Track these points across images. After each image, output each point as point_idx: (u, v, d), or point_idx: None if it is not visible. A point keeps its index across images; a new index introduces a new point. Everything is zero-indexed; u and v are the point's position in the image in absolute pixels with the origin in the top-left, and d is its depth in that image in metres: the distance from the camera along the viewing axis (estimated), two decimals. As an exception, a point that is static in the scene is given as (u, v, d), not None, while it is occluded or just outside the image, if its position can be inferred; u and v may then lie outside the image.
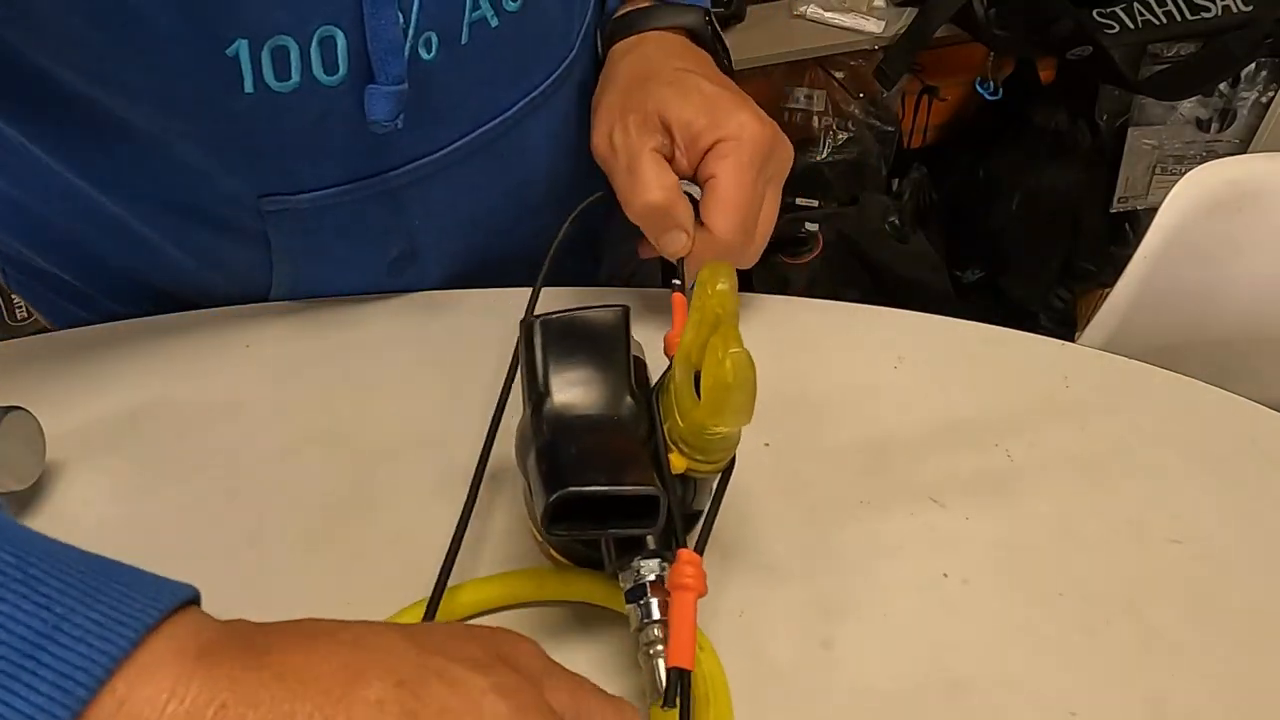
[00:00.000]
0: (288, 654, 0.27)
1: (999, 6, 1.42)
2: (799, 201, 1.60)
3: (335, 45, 0.45)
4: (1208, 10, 1.39)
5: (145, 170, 0.50)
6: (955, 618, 0.44)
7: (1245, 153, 1.59)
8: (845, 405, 0.53)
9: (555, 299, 0.54)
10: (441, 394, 0.54)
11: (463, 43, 0.49)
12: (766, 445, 0.50)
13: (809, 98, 1.57)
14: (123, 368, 0.55)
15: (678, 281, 0.51)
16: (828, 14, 1.46)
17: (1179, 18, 1.40)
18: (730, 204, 0.50)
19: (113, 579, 0.27)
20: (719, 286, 0.36)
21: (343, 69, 0.46)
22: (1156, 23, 1.41)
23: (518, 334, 0.42)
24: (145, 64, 0.43)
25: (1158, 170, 1.66)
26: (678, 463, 0.39)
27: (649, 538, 0.39)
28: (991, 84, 1.63)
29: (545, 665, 0.31)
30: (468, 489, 0.44)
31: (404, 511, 0.48)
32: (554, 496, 0.36)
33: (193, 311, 0.58)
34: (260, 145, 0.48)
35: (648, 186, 0.49)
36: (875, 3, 1.48)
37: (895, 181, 1.67)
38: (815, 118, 1.57)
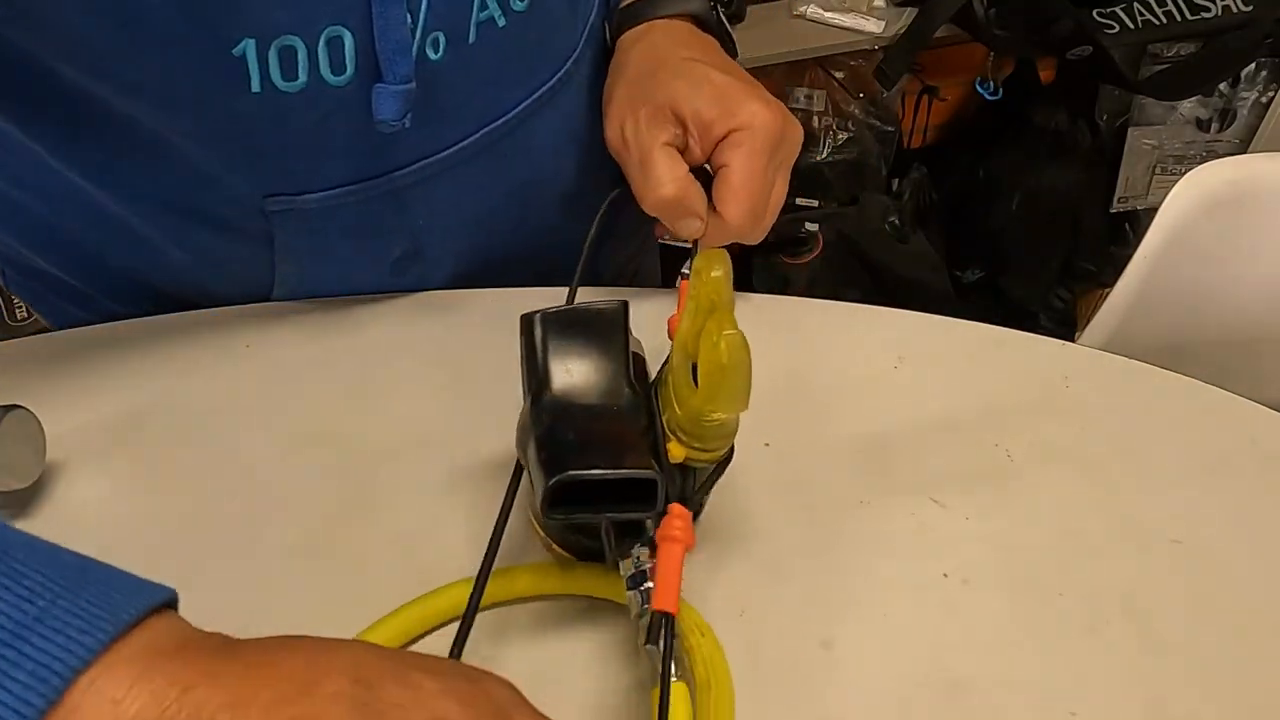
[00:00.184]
0: (258, 653, 0.28)
1: (999, 6, 1.42)
2: (799, 201, 1.60)
3: (343, 45, 0.45)
4: (1208, 10, 1.39)
5: (149, 170, 0.50)
6: (955, 618, 0.44)
7: (1245, 153, 1.59)
8: (845, 405, 0.53)
9: (557, 299, 0.54)
10: (443, 394, 0.54)
11: (470, 42, 0.49)
12: (766, 445, 0.50)
13: (809, 98, 1.56)
14: (123, 368, 0.55)
15: (686, 271, 0.52)
16: (828, 14, 1.46)
17: (1179, 18, 1.40)
18: (743, 192, 0.51)
19: (94, 577, 0.28)
20: (714, 274, 0.37)
21: (350, 69, 0.46)
22: (1156, 23, 1.41)
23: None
24: (151, 64, 0.43)
25: (1158, 170, 1.66)
26: (676, 451, 0.39)
27: (648, 524, 0.39)
28: (991, 84, 1.63)
29: (514, 699, 0.31)
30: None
31: (405, 512, 0.48)
32: (554, 480, 0.36)
33: (193, 311, 0.58)
34: (266, 145, 0.48)
35: (660, 182, 0.51)
36: (875, 3, 1.48)
37: (895, 181, 1.67)
38: (815, 118, 1.57)
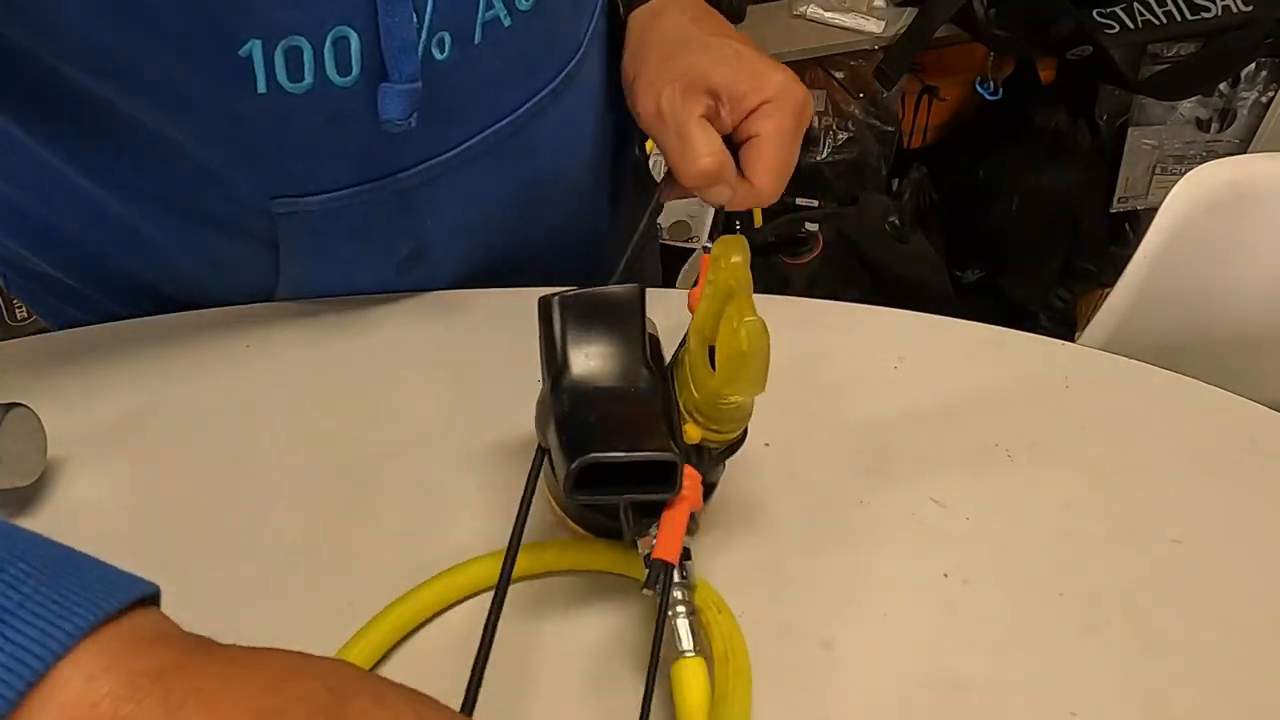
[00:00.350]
0: (236, 653, 0.29)
1: (999, 6, 1.42)
2: (799, 201, 1.60)
3: (349, 45, 0.45)
4: (1208, 10, 1.39)
5: (154, 171, 0.50)
6: (955, 618, 0.44)
7: (1245, 153, 1.59)
8: (845, 405, 0.53)
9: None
10: (445, 394, 0.54)
11: (476, 42, 0.49)
12: (766, 445, 0.50)
13: (809, 98, 1.56)
14: (123, 368, 0.55)
15: (708, 244, 0.53)
16: (828, 14, 1.46)
17: (1179, 18, 1.40)
18: (774, 162, 0.53)
19: (77, 568, 0.29)
20: (733, 259, 0.38)
21: (356, 69, 0.46)
22: (1156, 23, 1.41)
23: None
24: (157, 64, 0.43)
25: (1158, 170, 1.66)
26: (693, 432, 0.40)
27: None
28: (991, 84, 1.63)
29: None
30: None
31: (406, 512, 0.48)
32: (576, 463, 0.37)
33: (193, 312, 0.58)
34: (271, 146, 0.48)
35: (699, 153, 0.52)
36: (875, 3, 1.48)
37: (895, 181, 1.67)
38: (815, 118, 1.57)
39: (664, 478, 0.39)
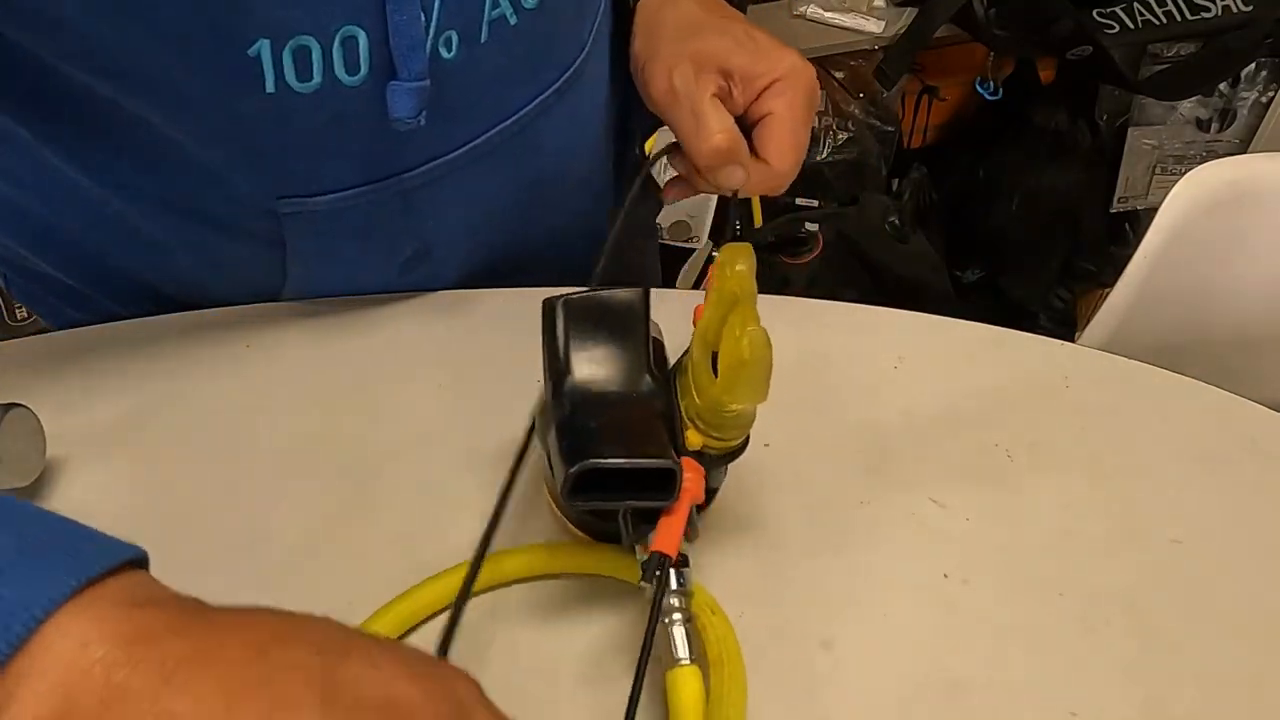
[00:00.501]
0: (227, 615, 0.29)
1: (999, 6, 1.42)
2: (799, 201, 1.60)
3: (357, 45, 0.45)
4: (1208, 10, 1.39)
5: (160, 172, 0.50)
6: (955, 618, 0.44)
7: (1245, 153, 1.59)
8: (845, 406, 0.53)
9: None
10: (446, 394, 0.54)
11: (482, 41, 0.50)
12: (766, 445, 0.50)
13: (809, 98, 1.56)
14: (123, 368, 0.55)
15: (716, 254, 0.54)
16: (828, 14, 1.46)
17: (1179, 18, 1.40)
18: (789, 138, 0.54)
19: (67, 533, 0.29)
20: (738, 267, 0.38)
21: (364, 69, 0.46)
22: (1156, 23, 1.41)
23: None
24: (164, 64, 0.43)
25: (1158, 170, 1.66)
26: (694, 439, 0.40)
27: None
28: (991, 84, 1.63)
29: (476, 696, 0.31)
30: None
31: (406, 511, 0.48)
32: (574, 469, 0.37)
33: (193, 312, 0.58)
34: (279, 146, 0.48)
35: (712, 131, 0.53)
36: (875, 3, 1.48)
37: (895, 181, 1.67)
38: (815, 117, 1.57)
39: (664, 484, 0.39)
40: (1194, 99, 1.57)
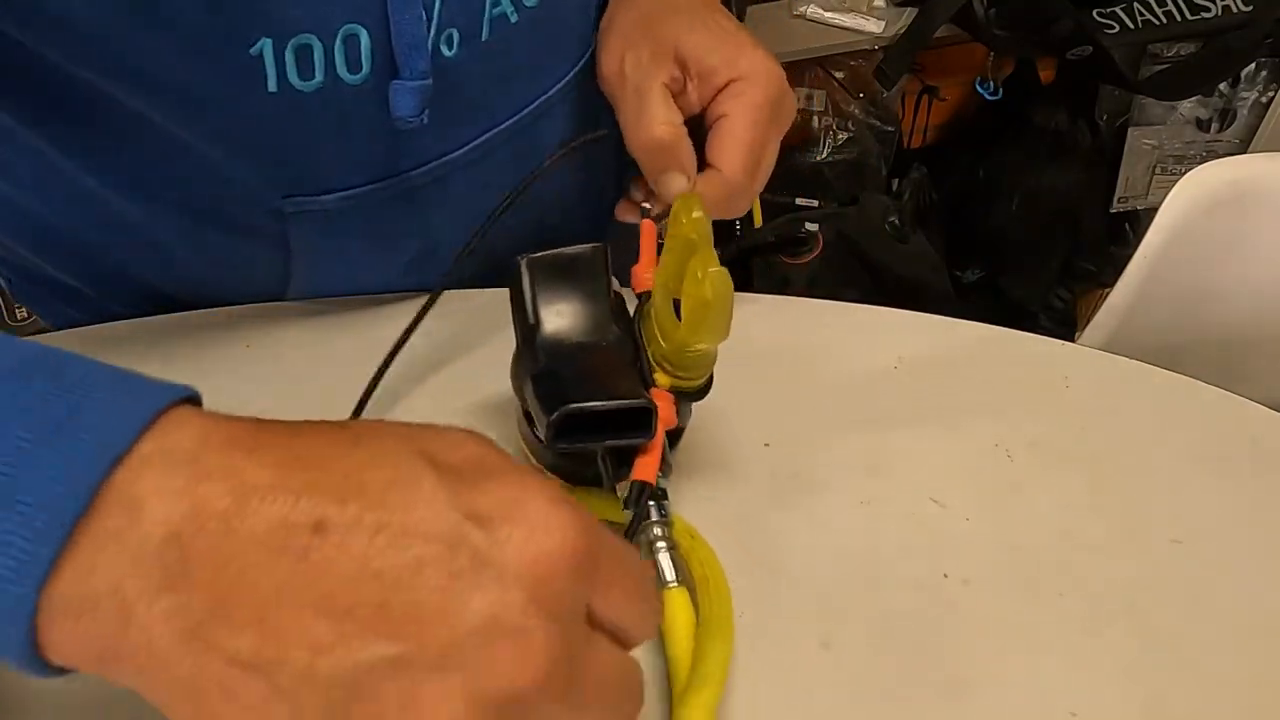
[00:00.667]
0: (290, 426, 0.29)
1: (999, 6, 1.42)
2: (799, 201, 1.60)
3: (359, 43, 0.45)
4: (1208, 10, 1.39)
5: (163, 171, 0.50)
6: (955, 618, 0.44)
7: (1245, 153, 1.59)
8: (845, 405, 0.53)
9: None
10: (445, 394, 0.54)
11: (483, 39, 0.49)
12: (766, 445, 0.50)
13: (809, 98, 1.57)
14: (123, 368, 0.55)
15: (647, 205, 0.53)
16: (828, 14, 1.46)
17: (1179, 18, 1.40)
18: (742, 143, 0.50)
19: (127, 373, 0.30)
20: (694, 214, 0.39)
21: (366, 67, 0.46)
22: (1156, 23, 1.41)
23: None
24: (166, 63, 0.43)
25: (1158, 170, 1.66)
26: (663, 380, 0.42)
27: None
28: (991, 84, 1.63)
29: (491, 457, 0.29)
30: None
31: (404, 511, 0.48)
32: (556, 414, 0.39)
33: (193, 311, 0.58)
34: (281, 145, 0.48)
35: (654, 120, 0.50)
36: (875, 3, 1.48)
37: (895, 181, 1.67)
38: (815, 118, 1.57)
39: (640, 423, 0.40)
40: (1194, 99, 1.57)
